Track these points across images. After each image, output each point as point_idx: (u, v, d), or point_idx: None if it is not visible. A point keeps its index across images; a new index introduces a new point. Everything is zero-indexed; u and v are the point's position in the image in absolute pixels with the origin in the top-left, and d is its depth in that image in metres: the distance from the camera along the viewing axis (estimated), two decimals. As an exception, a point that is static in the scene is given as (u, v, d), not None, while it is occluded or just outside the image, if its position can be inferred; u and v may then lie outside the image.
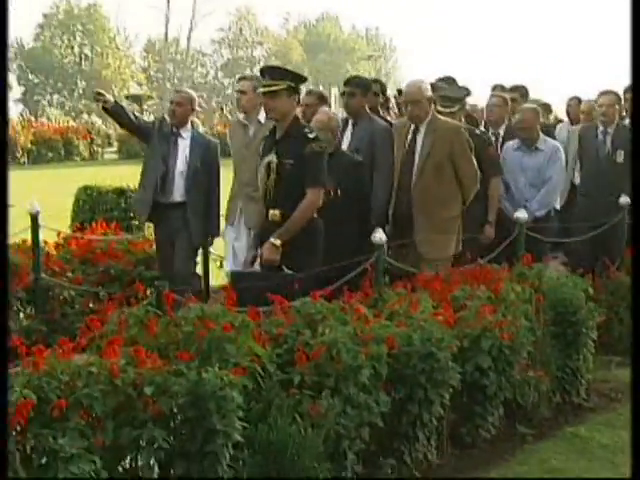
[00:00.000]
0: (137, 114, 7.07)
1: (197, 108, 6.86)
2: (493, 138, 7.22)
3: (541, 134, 7.06)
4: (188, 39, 67.96)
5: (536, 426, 5.21)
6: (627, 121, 7.76)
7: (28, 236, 6.46)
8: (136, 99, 37.64)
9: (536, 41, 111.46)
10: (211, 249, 7.12)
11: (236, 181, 6.60)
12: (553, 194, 7.02)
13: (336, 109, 13.64)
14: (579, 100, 9.07)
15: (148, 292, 4.72)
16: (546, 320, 5.38)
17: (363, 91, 6.48)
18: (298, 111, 5.50)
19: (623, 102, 7.81)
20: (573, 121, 8.95)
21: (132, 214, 9.62)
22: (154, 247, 6.88)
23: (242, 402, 3.57)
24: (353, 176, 5.97)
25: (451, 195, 6.04)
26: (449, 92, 6.75)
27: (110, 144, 31.44)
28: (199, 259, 7.01)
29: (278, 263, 5.08)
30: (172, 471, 3.50)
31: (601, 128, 7.42)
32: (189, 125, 6.71)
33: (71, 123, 33.78)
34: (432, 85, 6.81)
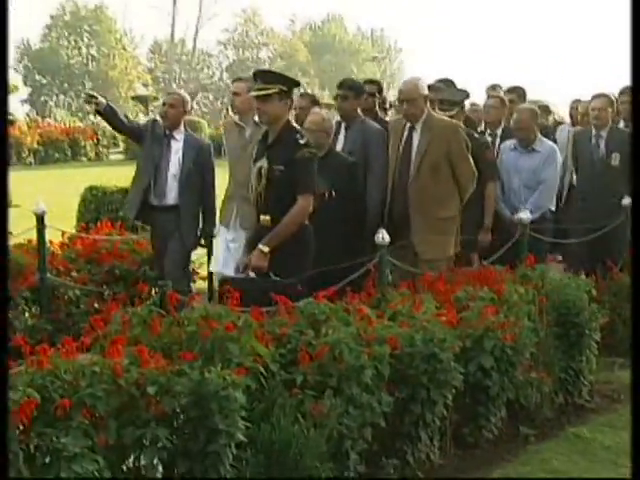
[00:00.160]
0: (129, 115, 7.05)
1: (194, 108, 6.81)
2: (490, 139, 7.21)
3: (538, 135, 7.02)
4: (194, 40, 68.17)
5: (538, 427, 5.21)
6: (622, 123, 7.75)
7: (34, 236, 6.48)
8: (142, 100, 37.67)
9: (541, 42, 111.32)
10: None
11: (232, 182, 6.52)
12: (547, 196, 6.95)
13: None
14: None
15: (153, 292, 4.75)
16: (549, 321, 5.39)
17: (356, 94, 6.48)
18: (291, 115, 5.46)
19: (619, 104, 7.79)
20: (576, 124, 8.93)
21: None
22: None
23: (245, 402, 3.58)
24: (347, 177, 5.97)
25: (448, 194, 5.97)
26: (448, 95, 6.72)
27: (116, 145, 31.48)
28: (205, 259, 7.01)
29: (266, 270, 5.03)
30: (175, 470, 3.52)
31: (594, 132, 7.38)
32: (182, 127, 6.66)
33: (77, 124, 33.86)
34: (431, 87, 6.81)
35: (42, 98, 57.70)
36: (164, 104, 6.70)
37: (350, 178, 6.01)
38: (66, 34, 61.73)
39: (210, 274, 7.00)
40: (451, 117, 6.36)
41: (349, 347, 4.08)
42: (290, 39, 71.41)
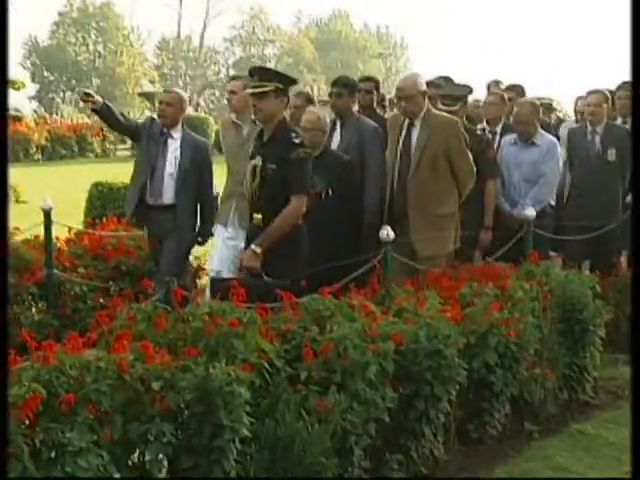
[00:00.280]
0: (126, 114, 6.89)
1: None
2: (490, 136, 7.17)
3: (539, 129, 6.98)
4: (201, 37, 68.19)
5: (542, 423, 5.23)
6: (619, 120, 7.72)
7: (41, 232, 6.51)
8: (149, 96, 37.68)
9: (548, 38, 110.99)
10: None
11: (230, 180, 6.42)
12: (547, 190, 6.90)
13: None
14: None
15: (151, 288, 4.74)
16: (553, 318, 5.39)
17: (350, 91, 6.48)
18: (286, 114, 5.42)
19: (616, 100, 7.77)
20: (580, 121, 8.89)
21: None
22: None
23: (249, 398, 3.58)
24: (343, 176, 5.95)
25: (447, 191, 5.92)
26: (449, 90, 6.68)
27: (123, 141, 31.49)
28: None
29: (258, 270, 4.97)
30: (180, 466, 3.54)
31: (590, 128, 7.34)
32: (180, 126, 6.51)
33: (85, 120, 33.87)
34: (431, 83, 6.80)
35: (49, 95, 57.78)
36: (161, 102, 6.56)
37: (346, 177, 5.99)
38: (74, 31, 61.86)
39: None
40: (453, 113, 6.31)
41: (353, 343, 4.08)
42: (296, 36, 71.39)
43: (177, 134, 6.49)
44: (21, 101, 38.84)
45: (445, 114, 6.12)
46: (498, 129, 7.25)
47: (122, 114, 6.63)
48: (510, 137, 7.01)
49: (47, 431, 3.13)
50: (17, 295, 6.13)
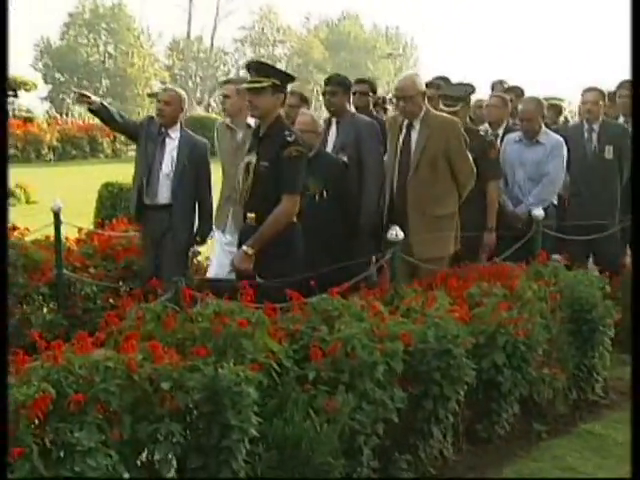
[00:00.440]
0: (123, 114, 6.75)
1: (211, 105, 6.64)
2: (492, 137, 7.04)
3: (543, 127, 6.92)
4: (211, 38, 68.29)
5: (551, 423, 5.22)
6: (621, 118, 7.69)
7: (51, 232, 6.53)
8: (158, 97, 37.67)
9: (559, 38, 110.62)
10: None
11: (225, 185, 6.31)
12: (550, 190, 6.82)
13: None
14: None
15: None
16: (562, 318, 5.39)
17: (344, 89, 6.44)
18: (282, 112, 5.37)
19: (617, 98, 7.74)
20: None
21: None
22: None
23: (258, 398, 3.59)
24: (338, 177, 5.92)
25: (446, 192, 5.83)
26: (450, 91, 6.61)
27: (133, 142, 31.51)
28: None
29: (250, 272, 4.87)
30: (188, 465, 3.55)
31: (586, 126, 7.29)
32: (179, 125, 6.42)
33: (95, 121, 33.90)
34: (431, 83, 6.78)
35: (61, 96, 57.96)
36: (159, 101, 6.45)
37: (341, 178, 5.95)
38: (85, 32, 62.07)
39: None
40: (455, 113, 6.23)
41: (362, 343, 4.09)
42: (306, 36, 71.44)
43: (175, 133, 6.39)
44: (33, 102, 39.00)
45: (445, 115, 6.05)
46: (500, 131, 7.17)
47: (120, 114, 6.56)
48: (514, 135, 6.95)
49: (56, 431, 3.14)
50: (27, 295, 6.16)
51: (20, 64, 59.79)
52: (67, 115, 37.67)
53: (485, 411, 4.86)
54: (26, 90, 32.38)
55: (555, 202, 7.02)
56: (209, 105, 53.02)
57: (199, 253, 6.53)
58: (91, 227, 8.51)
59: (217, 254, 6.31)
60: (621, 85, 7.70)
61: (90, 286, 6.47)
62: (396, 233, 5.14)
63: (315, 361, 4.01)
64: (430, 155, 5.75)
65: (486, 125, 7.36)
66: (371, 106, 7.14)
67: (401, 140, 5.88)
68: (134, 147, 6.90)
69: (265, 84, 4.95)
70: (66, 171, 23.36)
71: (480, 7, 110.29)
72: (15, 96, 19.14)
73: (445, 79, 7.34)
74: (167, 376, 3.47)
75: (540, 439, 5.05)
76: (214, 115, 34.70)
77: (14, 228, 6.92)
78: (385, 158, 6.18)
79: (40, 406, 3.08)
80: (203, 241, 6.53)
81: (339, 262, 5.49)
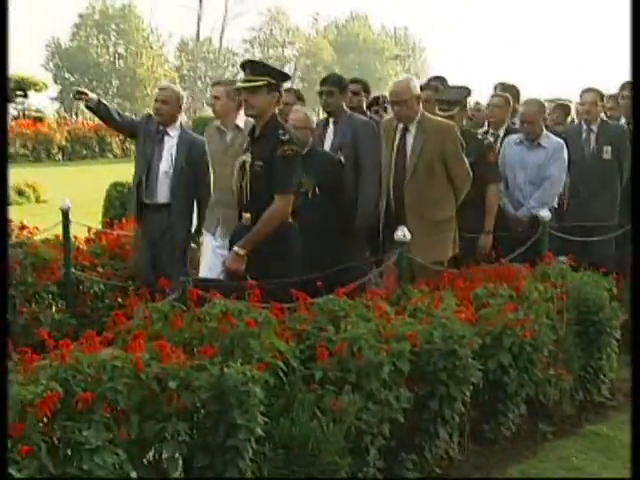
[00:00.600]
0: (121, 112, 6.72)
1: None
2: (492, 139, 7.04)
3: (544, 130, 6.86)
4: (220, 39, 68.43)
5: (557, 424, 5.23)
6: (623, 120, 7.67)
7: (60, 231, 6.55)
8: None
9: (568, 40, 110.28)
10: None
11: (215, 188, 6.13)
12: (552, 193, 6.75)
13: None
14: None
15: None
16: (569, 319, 5.39)
17: (341, 89, 6.38)
18: (277, 110, 5.31)
19: (620, 100, 7.71)
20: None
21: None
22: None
23: (264, 397, 3.61)
24: (332, 174, 5.87)
25: (443, 196, 5.76)
26: (445, 95, 6.53)
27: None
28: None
29: (242, 273, 4.80)
30: (195, 464, 3.57)
31: (585, 127, 7.28)
32: (177, 124, 6.36)
33: (104, 121, 33.97)
34: (427, 85, 6.74)
35: (71, 96, 58.07)
36: (156, 100, 6.39)
37: (335, 175, 5.91)
38: (95, 33, 62.18)
39: None
40: (451, 117, 6.14)
41: (368, 343, 4.10)
42: (315, 37, 71.45)
43: (174, 132, 6.34)
44: (43, 102, 39.13)
45: (440, 118, 5.98)
46: (501, 132, 7.11)
47: (118, 112, 6.52)
48: (515, 137, 6.88)
49: (64, 429, 3.17)
50: (36, 294, 6.19)
51: (31, 64, 60.07)
52: (77, 115, 37.82)
53: (491, 412, 4.87)
54: (36, 90, 32.47)
55: (556, 205, 6.98)
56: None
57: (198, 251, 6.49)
58: (100, 226, 8.53)
59: (207, 257, 6.14)
60: (624, 86, 7.68)
61: (98, 285, 6.50)
62: (404, 234, 5.14)
63: (322, 361, 4.03)
64: (427, 159, 5.70)
65: (485, 127, 7.33)
66: (364, 106, 7.08)
67: (396, 144, 5.81)
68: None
69: (260, 83, 4.90)
70: (76, 170, 23.46)
71: (489, 8, 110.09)
72: (25, 96, 19.22)
73: (442, 80, 7.29)
74: (174, 375, 3.49)
75: (546, 440, 5.06)
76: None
77: (23, 227, 6.95)
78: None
79: (48, 404, 3.10)
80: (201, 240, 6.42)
81: (333, 260, 5.49)
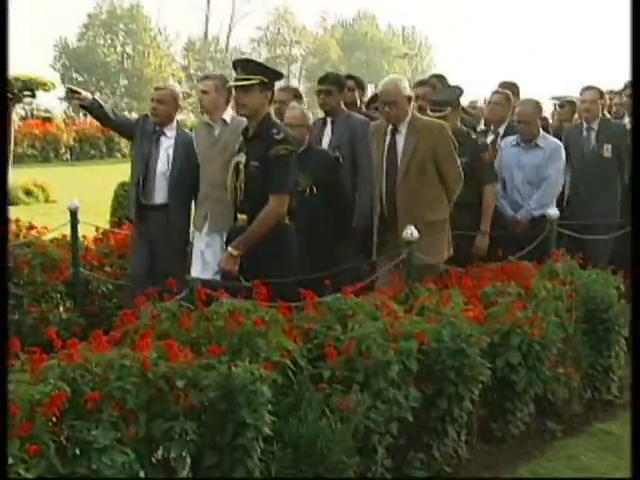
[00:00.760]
0: (117, 111, 6.64)
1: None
2: (493, 136, 6.99)
3: (541, 131, 6.78)
4: (227, 38, 68.50)
5: (566, 422, 5.22)
6: (626, 118, 7.63)
7: (68, 231, 6.56)
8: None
9: (576, 38, 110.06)
10: None
11: (202, 184, 6.07)
12: (551, 193, 6.66)
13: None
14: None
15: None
16: (577, 317, 5.38)
17: (339, 88, 6.37)
18: (272, 109, 5.24)
19: (624, 98, 7.67)
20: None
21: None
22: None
23: (272, 396, 3.61)
24: (329, 172, 5.85)
25: (436, 197, 5.63)
26: (435, 96, 6.44)
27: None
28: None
29: (236, 274, 4.79)
30: (203, 464, 3.57)
31: (585, 125, 7.24)
32: (174, 123, 6.28)
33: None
34: (427, 82, 6.67)
35: (63, 94, 58.15)
36: (152, 100, 6.29)
37: (332, 173, 5.88)
38: (102, 33, 62.25)
39: None
40: (443, 118, 6.03)
41: (376, 342, 4.10)
42: (322, 36, 71.42)
43: (171, 132, 6.26)
44: (51, 102, 39.16)
45: (432, 119, 5.90)
46: (501, 130, 7.03)
47: (114, 111, 6.45)
48: (511, 138, 6.81)
49: (72, 428, 3.17)
50: (45, 293, 6.20)
51: (39, 65, 60.19)
52: (85, 115, 37.83)
53: (500, 410, 4.87)
54: (45, 90, 32.52)
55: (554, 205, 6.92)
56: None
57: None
58: (108, 226, 8.55)
59: (199, 255, 6.07)
60: (627, 85, 7.65)
61: (106, 285, 6.51)
62: (411, 232, 5.13)
63: (330, 360, 4.03)
64: (419, 159, 5.58)
65: (482, 126, 7.27)
66: (359, 103, 7.04)
67: (387, 146, 5.68)
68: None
69: (253, 81, 4.85)
70: (84, 170, 23.53)
71: (495, 8, 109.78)
72: (33, 96, 19.25)
73: (441, 78, 7.24)
74: (182, 374, 3.50)
75: (555, 438, 5.05)
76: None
77: (32, 227, 6.96)
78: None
79: (56, 404, 3.11)
80: None
81: (329, 260, 5.48)
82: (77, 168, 24.56)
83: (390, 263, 5.32)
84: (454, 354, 4.35)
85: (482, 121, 7.43)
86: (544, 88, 21.57)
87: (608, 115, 7.79)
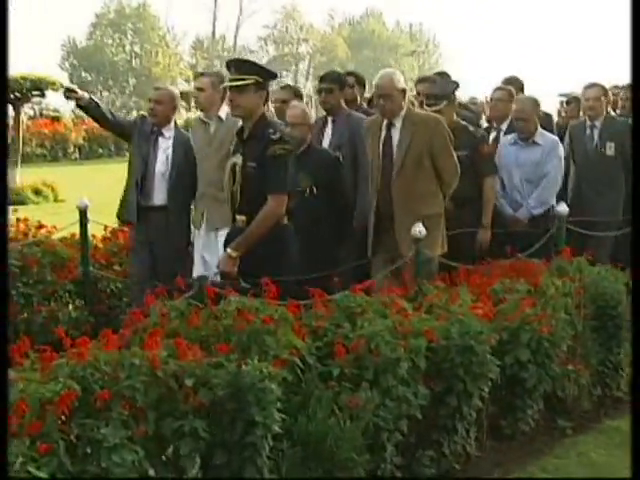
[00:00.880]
0: (115, 112, 6.65)
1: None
2: (494, 133, 6.95)
3: (539, 128, 6.71)
4: (235, 36, 68.55)
5: (576, 419, 5.21)
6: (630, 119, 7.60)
7: (78, 230, 6.58)
8: (184, 95, 37.82)
9: (586, 36, 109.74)
10: None
11: (200, 182, 6.08)
12: (551, 191, 6.60)
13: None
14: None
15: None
16: (586, 314, 5.37)
17: (340, 86, 6.34)
18: (270, 108, 5.20)
19: (624, 96, 7.64)
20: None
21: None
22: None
23: (281, 394, 3.61)
24: (329, 172, 5.82)
25: (431, 191, 5.59)
26: (430, 89, 6.41)
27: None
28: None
29: (234, 275, 4.75)
30: (213, 462, 3.58)
31: (588, 122, 7.21)
32: (172, 124, 6.25)
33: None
34: (428, 78, 6.66)
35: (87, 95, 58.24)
36: (150, 100, 6.29)
37: (332, 173, 5.85)
38: (111, 32, 62.37)
39: None
40: (439, 111, 5.99)
41: (385, 340, 4.10)
42: (329, 34, 71.39)
43: (169, 133, 6.23)
44: (60, 101, 39.23)
45: (428, 113, 5.86)
46: (504, 127, 6.99)
47: (111, 111, 6.43)
48: (509, 137, 6.76)
49: (82, 427, 3.18)
50: (54, 292, 6.22)
51: (48, 64, 60.30)
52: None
53: (509, 407, 4.86)
54: (53, 90, 32.60)
55: (554, 203, 6.86)
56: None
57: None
58: (116, 225, 8.55)
59: (197, 260, 6.08)
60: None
61: (115, 283, 6.52)
62: (419, 230, 5.12)
63: (339, 358, 4.03)
64: (415, 153, 5.54)
65: (483, 122, 7.24)
66: (359, 99, 7.01)
67: (382, 140, 5.63)
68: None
69: (248, 82, 4.81)
70: (92, 169, 23.56)
71: (502, 6, 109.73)
72: (42, 96, 19.32)
73: (443, 74, 7.21)
74: (191, 373, 3.50)
75: (564, 435, 5.05)
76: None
77: (41, 226, 6.98)
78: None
79: (66, 402, 3.11)
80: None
81: (329, 260, 5.48)
82: (86, 167, 24.60)
83: (389, 265, 5.33)
84: (463, 351, 4.34)
85: (483, 117, 7.37)
86: (552, 85, 21.55)
87: (613, 112, 7.76)
